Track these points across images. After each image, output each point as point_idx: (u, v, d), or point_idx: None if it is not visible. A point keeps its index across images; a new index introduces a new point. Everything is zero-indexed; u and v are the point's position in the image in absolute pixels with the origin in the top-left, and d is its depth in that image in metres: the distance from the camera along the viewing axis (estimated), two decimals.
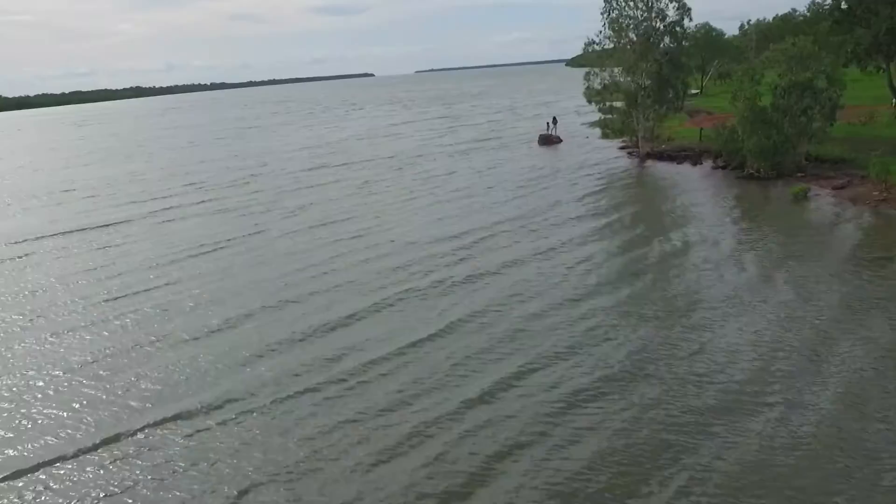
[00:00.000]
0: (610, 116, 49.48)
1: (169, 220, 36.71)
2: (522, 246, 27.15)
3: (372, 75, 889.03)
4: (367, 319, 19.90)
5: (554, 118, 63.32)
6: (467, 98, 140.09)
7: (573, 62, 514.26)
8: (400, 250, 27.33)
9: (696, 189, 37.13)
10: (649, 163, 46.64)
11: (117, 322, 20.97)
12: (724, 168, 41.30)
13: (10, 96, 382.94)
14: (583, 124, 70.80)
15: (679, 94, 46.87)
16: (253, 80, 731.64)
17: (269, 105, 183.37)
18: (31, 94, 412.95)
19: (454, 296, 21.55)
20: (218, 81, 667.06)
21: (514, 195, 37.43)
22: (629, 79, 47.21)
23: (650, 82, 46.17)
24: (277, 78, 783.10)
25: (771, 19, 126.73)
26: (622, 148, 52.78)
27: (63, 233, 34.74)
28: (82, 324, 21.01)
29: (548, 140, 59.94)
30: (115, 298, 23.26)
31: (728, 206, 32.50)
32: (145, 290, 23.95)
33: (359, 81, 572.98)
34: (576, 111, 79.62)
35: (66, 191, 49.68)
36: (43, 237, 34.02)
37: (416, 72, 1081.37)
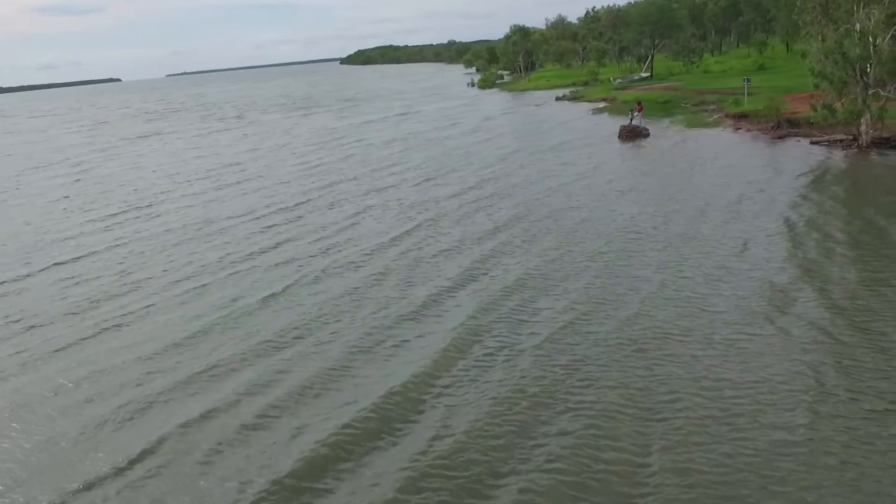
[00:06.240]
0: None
1: None
2: None
3: (118, 80, 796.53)
4: None
5: (639, 102, 49.19)
6: (352, 100, 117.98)
7: (348, 60, 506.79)
8: None
9: None
10: (875, 156, 34.57)
11: None
12: None
13: None
14: (592, 111, 58.35)
15: None
16: None
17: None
18: None
19: None
20: None
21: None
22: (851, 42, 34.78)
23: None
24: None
25: None
26: (782, 137, 40.37)
27: None
28: None
29: (633, 133, 45.63)
30: None
31: None
32: None
33: (108, 87, 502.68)
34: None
35: None
36: None
37: (168, 76, 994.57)
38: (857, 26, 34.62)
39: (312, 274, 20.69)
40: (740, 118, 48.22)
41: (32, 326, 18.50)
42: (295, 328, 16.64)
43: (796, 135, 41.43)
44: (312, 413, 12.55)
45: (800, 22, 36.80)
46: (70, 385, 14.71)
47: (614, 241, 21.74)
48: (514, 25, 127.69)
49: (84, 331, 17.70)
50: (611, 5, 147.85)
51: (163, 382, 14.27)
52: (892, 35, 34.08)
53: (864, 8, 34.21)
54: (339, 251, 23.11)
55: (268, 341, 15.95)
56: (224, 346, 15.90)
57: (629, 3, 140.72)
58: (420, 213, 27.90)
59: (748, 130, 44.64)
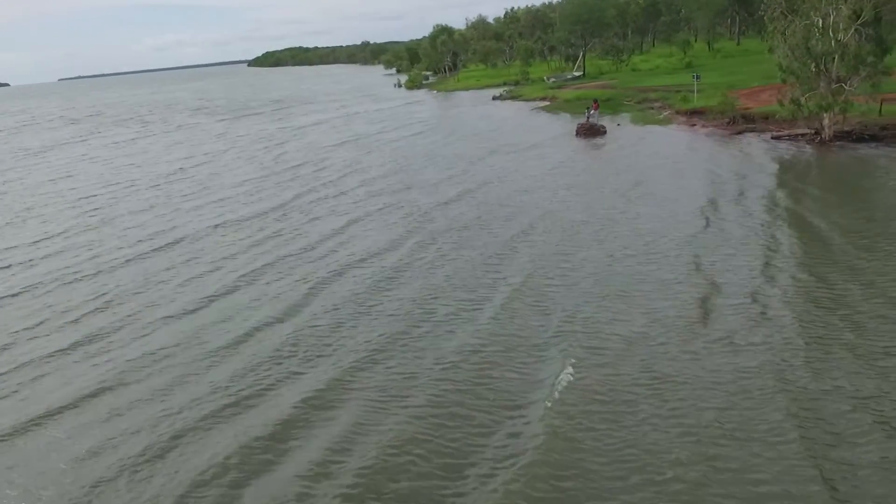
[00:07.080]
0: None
1: None
2: None
3: (6, 85, 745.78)
4: None
5: (595, 101, 48.91)
6: (284, 104, 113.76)
7: (257, 62, 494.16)
8: None
9: None
10: (841, 149, 35.43)
11: None
12: None
13: None
14: (545, 110, 58.35)
15: (880, 55, 36.08)
16: None
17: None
18: None
19: None
20: None
21: None
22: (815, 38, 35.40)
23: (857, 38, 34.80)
24: None
25: None
26: (740, 133, 40.96)
27: None
28: None
29: (591, 131, 45.48)
30: None
31: None
32: None
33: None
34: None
35: None
36: None
37: (60, 80, 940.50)
38: (820, 22, 35.27)
39: (332, 300, 18.43)
40: (692, 115, 48.72)
41: (7, 373, 15.66)
42: (348, 374, 14.39)
43: (753, 130, 42.08)
44: (430, 473, 10.73)
45: (766, 18, 37.18)
46: (87, 455, 12.17)
47: (650, 245, 20.77)
48: (438, 25, 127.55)
49: (83, 376, 15.06)
50: (529, 6, 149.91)
51: (222, 445, 11.99)
52: (856, 30, 34.88)
53: (826, 5, 34.80)
54: (354, 270, 20.94)
55: (322, 392, 13.69)
56: (280, 396, 13.59)
57: (545, 4, 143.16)
58: (421, 223, 25.91)
59: (704, 127, 45.07)
